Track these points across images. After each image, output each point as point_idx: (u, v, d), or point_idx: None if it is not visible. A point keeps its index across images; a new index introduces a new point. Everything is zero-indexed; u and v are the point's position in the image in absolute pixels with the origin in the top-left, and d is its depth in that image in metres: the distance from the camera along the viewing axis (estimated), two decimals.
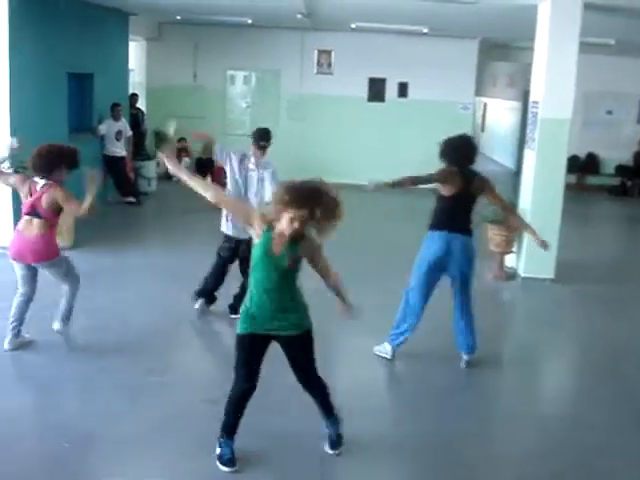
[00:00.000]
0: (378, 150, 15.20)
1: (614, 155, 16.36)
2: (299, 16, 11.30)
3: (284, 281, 4.15)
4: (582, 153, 16.16)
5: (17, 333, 5.93)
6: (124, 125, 12.10)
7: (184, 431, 4.76)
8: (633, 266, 9.96)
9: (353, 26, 12.88)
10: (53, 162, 5.65)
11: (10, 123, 8.49)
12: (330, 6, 10.19)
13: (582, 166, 16.25)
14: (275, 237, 4.05)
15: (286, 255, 4.06)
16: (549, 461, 4.71)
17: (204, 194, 4.24)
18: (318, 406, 4.55)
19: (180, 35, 15.02)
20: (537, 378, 6.36)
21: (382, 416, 5.29)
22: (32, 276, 5.87)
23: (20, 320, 5.91)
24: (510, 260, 8.93)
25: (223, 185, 12.57)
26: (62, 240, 8.51)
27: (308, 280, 4.36)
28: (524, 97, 14.84)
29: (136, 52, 14.73)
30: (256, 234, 4.12)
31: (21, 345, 5.94)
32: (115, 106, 11.82)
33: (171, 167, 4.45)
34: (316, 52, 15.26)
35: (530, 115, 8.72)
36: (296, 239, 4.06)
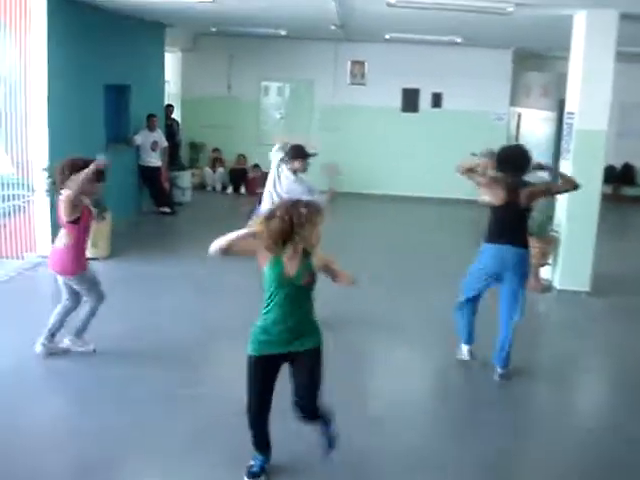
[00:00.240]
0: (411, 161, 15.17)
1: None
2: (333, 27, 11.34)
3: (300, 298, 4.10)
4: (618, 163, 15.98)
5: (50, 338, 6.00)
6: (160, 136, 12.24)
7: (215, 444, 4.77)
8: None
9: (387, 37, 12.88)
10: (66, 174, 5.70)
11: (48, 135, 8.64)
12: (363, 17, 10.21)
13: (618, 176, 16.05)
14: (286, 260, 4.02)
15: (301, 273, 4.04)
16: (591, 477, 4.66)
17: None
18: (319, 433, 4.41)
19: (215, 46, 15.15)
20: (573, 391, 6.28)
21: (420, 429, 5.27)
22: (69, 285, 5.96)
23: (55, 327, 6.00)
24: (546, 272, 8.85)
25: (257, 195, 12.66)
26: (98, 250, 8.66)
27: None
28: (559, 107, 14.71)
29: (172, 63, 14.89)
30: (264, 262, 4.07)
31: (53, 352, 6.01)
32: (151, 117, 11.97)
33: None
34: (349, 63, 15.28)
35: (565, 126, 8.64)
36: (307, 254, 4.04)
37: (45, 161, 8.53)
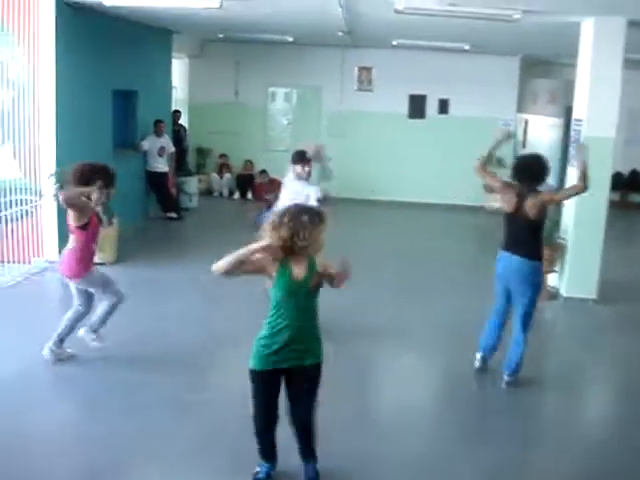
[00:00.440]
0: (418, 167, 15.19)
1: None
2: (340, 34, 11.36)
3: (308, 306, 4.10)
4: (626, 170, 15.94)
5: (59, 343, 6.01)
6: (167, 141, 12.27)
7: (221, 449, 4.77)
8: None
9: (394, 43, 12.90)
10: (85, 179, 5.71)
11: (56, 140, 8.68)
12: (370, 24, 10.23)
13: (626, 183, 16.01)
14: (294, 265, 4.02)
15: (309, 276, 4.04)
16: None
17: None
18: (300, 444, 4.37)
19: (222, 52, 15.19)
20: (579, 400, 6.25)
21: (427, 436, 5.26)
22: (81, 291, 5.96)
23: (65, 333, 6.00)
24: (552, 279, 8.82)
25: (264, 201, 12.69)
26: (105, 255, 8.68)
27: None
28: (566, 114, 14.70)
29: (179, 69, 14.95)
30: (273, 272, 4.05)
31: (60, 357, 6.02)
32: (158, 122, 12.00)
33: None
34: (356, 69, 15.31)
35: (573, 133, 8.63)
36: (311, 257, 4.05)
37: (53, 166, 8.56)
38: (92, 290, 5.94)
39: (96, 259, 6.17)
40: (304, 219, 3.94)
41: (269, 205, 11.55)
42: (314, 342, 4.19)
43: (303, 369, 4.15)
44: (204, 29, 12.78)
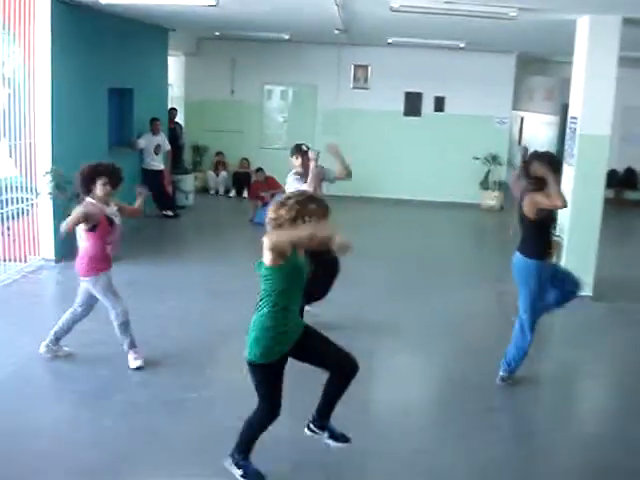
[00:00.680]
0: (414, 164, 15.19)
1: None
2: (336, 32, 11.36)
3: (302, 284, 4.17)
4: (621, 168, 15.97)
5: (55, 342, 6.00)
6: (163, 139, 12.27)
7: (221, 449, 4.73)
8: None
9: (390, 41, 12.90)
10: (88, 180, 5.72)
11: (52, 138, 8.67)
12: (366, 22, 10.23)
13: (621, 181, 16.05)
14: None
15: (305, 261, 4.12)
16: None
17: None
18: (331, 394, 4.38)
19: (218, 50, 15.18)
20: (575, 397, 6.29)
21: (424, 434, 5.27)
22: (85, 291, 5.90)
23: (62, 332, 5.99)
24: None
25: (259, 199, 12.67)
26: None
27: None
28: (562, 111, 14.73)
29: (175, 67, 14.93)
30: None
31: (57, 353, 6.01)
32: (154, 120, 11.99)
33: None
34: (352, 67, 15.30)
35: (569, 131, 8.65)
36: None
37: (49, 164, 8.56)
38: (94, 292, 5.86)
39: None
40: (311, 205, 4.00)
41: (265, 203, 11.59)
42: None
43: (303, 332, 4.21)
44: (200, 27, 12.77)
